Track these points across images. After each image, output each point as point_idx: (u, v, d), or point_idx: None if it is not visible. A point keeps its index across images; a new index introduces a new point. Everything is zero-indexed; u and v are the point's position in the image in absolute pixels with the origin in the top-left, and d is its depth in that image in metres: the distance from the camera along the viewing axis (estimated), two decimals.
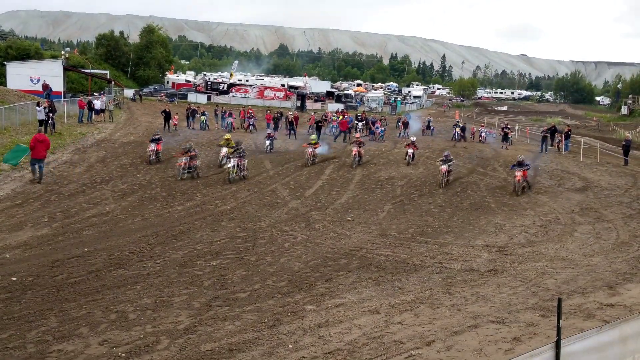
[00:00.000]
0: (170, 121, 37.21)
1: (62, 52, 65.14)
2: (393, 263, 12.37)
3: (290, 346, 7.92)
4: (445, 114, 70.91)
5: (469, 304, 9.87)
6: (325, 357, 7.63)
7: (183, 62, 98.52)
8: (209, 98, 63.69)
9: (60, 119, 34.85)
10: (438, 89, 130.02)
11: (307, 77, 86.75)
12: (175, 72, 79.75)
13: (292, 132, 35.93)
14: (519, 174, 20.84)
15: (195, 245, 13.16)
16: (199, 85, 72.18)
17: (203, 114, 40.43)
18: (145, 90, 65.19)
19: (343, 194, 20.13)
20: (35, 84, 47.55)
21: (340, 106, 61.70)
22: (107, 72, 63.59)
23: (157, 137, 25.13)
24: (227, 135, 25.41)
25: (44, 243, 13.04)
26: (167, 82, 74.13)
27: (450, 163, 22.50)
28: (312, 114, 44.86)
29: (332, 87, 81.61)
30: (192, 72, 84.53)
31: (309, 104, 64.65)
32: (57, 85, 48.54)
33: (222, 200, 18.24)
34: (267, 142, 29.32)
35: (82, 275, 10.83)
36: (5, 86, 45.25)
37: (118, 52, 73.36)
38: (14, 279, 10.51)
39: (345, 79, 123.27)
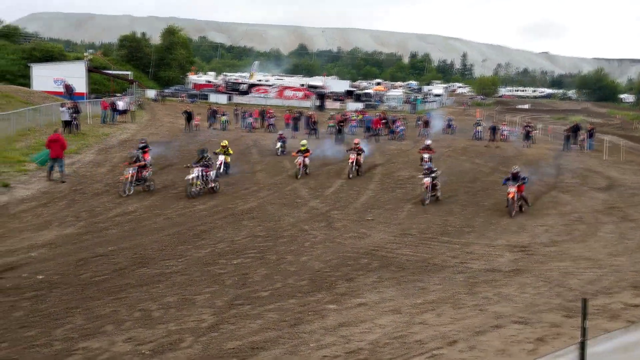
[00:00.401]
0: (191, 122, 37.53)
1: (85, 54, 66.03)
2: (414, 263, 12.33)
3: (312, 345, 7.94)
4: (465, 112, 70.42)
5: (492, 304, 9.81)
6: (346, 356, 7.64)
7: (204, 63, 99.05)
8: (229, 98, 64.08)
9: (84, 119, 35.35)
10: (459, 87, 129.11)
11: (326, 76, 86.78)
12: (196, 73, 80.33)
13: (314, 131, 35.92)
14: (512, 190, 17.19)
15: (217, 244, 13.26)
16: (219, 86, 72.66)
17: (223, 114, 40.72)
18: (166, 91, 65.80)
19: (363, 193, 20.11)
20: (59, 85, 48.29)
21: (360, 105, 61.66)
22: (129, 73, 64.31)
23: (142, 144, 22.15)
24: (225, 142, 23.56)
25: (69, 242, 13.24)
26: (188, 83, 74.74)
27: (434, 175, 19.08)
28: (337, 114, 44.48)
29: (351, 86, 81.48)
30: (213, 73, 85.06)
31: (329, 104, 64.69)
32: (81, 86, 49.25)
33: (243, 200, 18.34)
34: (279, 144, 28.40)
35: (107, 273, 10.98)
36: (30, 87, 46.03)
37: (140, 54, 74.14)
38: (40, 277, 10.69)
39: (365, 78, 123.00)
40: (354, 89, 77.84)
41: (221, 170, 21.83)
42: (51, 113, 33.70)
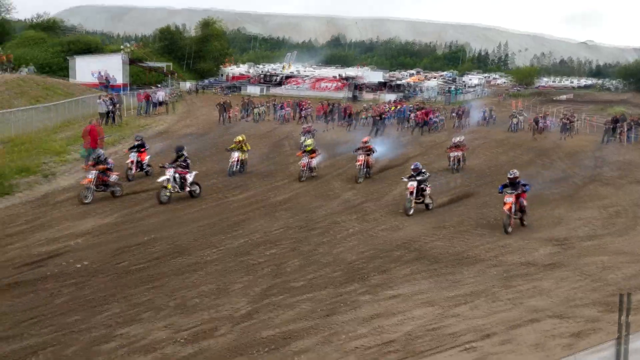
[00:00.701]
0: (225, 113, 37.84)
1: (121, 47, 67.10)
2: (448, 256, 12.24)
3: (344, 336, 7.97)
4: (501, 103, 69.24)
5: (527, 297, 9.67)
6: (379, 348, 7.65)
7: (238, 55, 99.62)
8: (263, 90, 64.36)
9: (122, 111, 36.00)
10: (494, 78, 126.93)
11: (361, 67, 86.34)
12: (230, 65, 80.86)
13: (350, 123, 35.73)
14: (509, 199, 14.27)
15: (251, 235, 13.38)
16: (253, 78, 73.01)
17: (258, 106, 40.94)
18: (202, 83, 66.47)
19: (396, 185, 20.00)
20: (98, 77, 49.25)
21: (395, 96, 61.18)
22: (165, 65, 65.12)
23: (138, 142, 20.81)
24: (239, 137, 21.80)
25: (107, 231, 13.55)
26: (222, 75, 75.28)
27: (421, 178, 16.34)
28: (374, 105, 43.95)
29: (386, 77, 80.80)
30: (247, 65, 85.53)
31: (363, 95, 64.35)
32: (119, 78, 50.15)
33: (276, 192, 18.45)
34: (303, 139, 26.34)
35: (144, 262, 11.21)
36: (69, 80, 47.04)
37: (176, 46, 74.97)
38: (79, 265, 10.98)
39: (400, 68, 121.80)
40: (390, 80, 77.18)
41: (234, 168, 20.72)
42: (90, 105, 34.41)
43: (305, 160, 20.63)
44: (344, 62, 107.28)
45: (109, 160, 17.30)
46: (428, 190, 16.50)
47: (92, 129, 20.94)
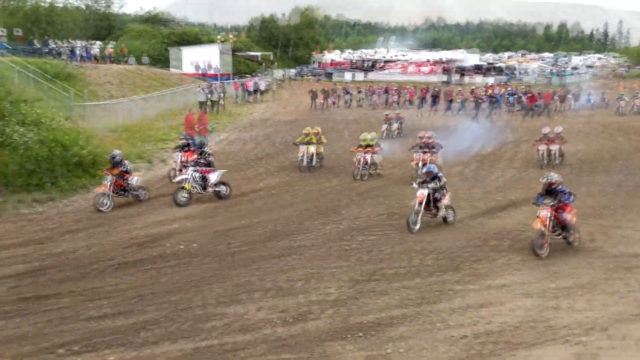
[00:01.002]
0: (316, 100, 38.22)
1: (219, 37, 69.22)
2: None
3: (439, 324, 7.89)
4: (607, 86, 65.08)
5: (634, 291, 9.10)
6: (475, 338, 7.50)
7: (331, 41, 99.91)
8: (354, 76, 64.32)
9: (224, 100, 37.22)
10: (599, 58, 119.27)
11: (458, 50, 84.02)
12: (325, 51, 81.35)
13: (450, 107, 34.92)
14: (544, 213, 11.06)
15: (342, 221, 13.49)
16: (346, 64, 73.10)
17: (347, 92, 41.01)
18: (294, 70, 67.42)
19: (493, 172, 19.44)
20: (195, 67, 51.22)
21: (492, 80, 59.12)
22: (260, 54, 66.62)
23: (183, 140, 18.57)
24: (308, 129, 20.00)
25: (206, 215, 14.17)
26: (314, 62, 75.98)
27: (434, 185, 13.06)
28: (476, 88, 42.32)
29: (484, 59, 78.11)
30: (338, 51, 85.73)
31: (459, 78, 62.67)
32: (220, 67, 51.91)
33: (367, 179, 18.43)
34: (384, 127, 25.53)
35: (240, 245, 11.62)
36: (170, 70, 49.24)
37: (272, 34, 76.49)
38: (181, 247, 11.58)
39: (499, 50, 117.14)
40: (487, 62, 74.56)
41: (304, 162, 19.22)
42: (190, 94, 35.91)
43: (360, 156, 18.26)
44: (439, 45, 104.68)
45: (126, 162, 15.69)
46: (445, 201, 13.11)
47: (188, 117, 21.89)
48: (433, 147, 18.10)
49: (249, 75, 52.84)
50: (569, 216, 11.21)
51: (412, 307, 8.48)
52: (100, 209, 14.60)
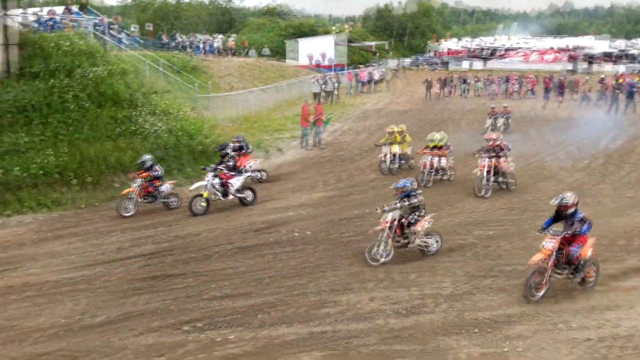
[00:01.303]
0: (431, 90, 37.49)
1: (334, 28, 69.90)
2: None
3: (560, 325, 7.52)
4: None
5: None
6: (599, 340, 7.08)
7: (451, 28, 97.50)
8: (472, 64, 62.40)
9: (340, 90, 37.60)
10: None
11: (586, 36, 78.76)
12: (441, 40, 79.68)
13: (579, 97, 32.77)
14: (549, 245, 8.51)
15: (457, 215, 13.18)
16: (462, 52, 71.09)
17: (464, 81, 39.84)
18: (411, 59, 66.65)
19: (623, 167, 18.09)
20: (312, 58, 52.12)
21: (624, 68, 54.88)
22: (374, 44, 66.47)
23: (238, 143, 16.75)
24: (392, 127, 18.14)
25: (320, 205, 14.41)
26: (430, 51, 74.57)
27: (404, 205, 10.34)
28: (603, 76, 38.90)
29: (614, 46, 72.58)
30: (457, 39, 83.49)
31: (585, 67, 58.78)
32: (333, 59, 52.50)
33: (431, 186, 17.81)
34: (489, 122, 23.08)
35: (353, 235, 11.72)
36: (285, 61, 50.47)
37: (387, 23, 76.08)
38: (296, 234, 11.88)
39: (631, 36, 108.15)
40: (616, 49, 69.25)
41: (387, 164, 17.43)
42: (305, 86, 36.59)
43: (427, 159, 16.13)
44: (565, 32, 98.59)
45: (157, 167, 14.36)
46: (422, 226, 10.33)
47: (304, 109, 22.32)
48: (502, 150, 15.41)
49: (362, 66, 52.88)
50: (577, 250, 8.62)
51: (532, 306, 8.14)
52: (123, 214, 13.57)
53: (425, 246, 10.40)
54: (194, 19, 56.94)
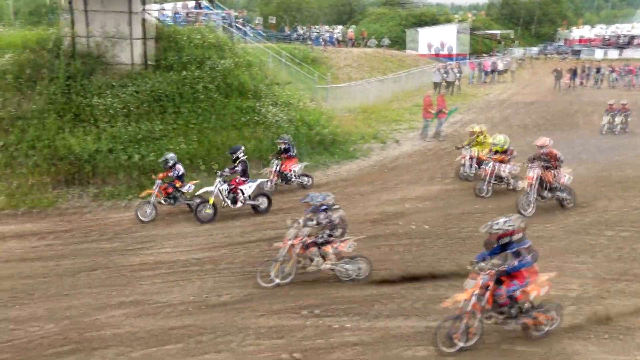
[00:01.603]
0: (561, 80, 35.43)
1: (456, 16, 68.02)
2: None
3: None
4: None
5: None
6: None
7: (583, 15, 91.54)
8: (606, 53, 58.16)
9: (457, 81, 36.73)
10: None
11: None
12: (573, 27, 75.01)
13: None
14: (470, 285, 7.07)
15: (588, 213, 12.37)
16: (595, 40, 66.43)
17: (598, 70, 37.24)
18: (538, 48, 63.47)
19: None
20: (430, 46, 51.15)
21: None
22: (499, 32, 63.91)
23: (283, 142, 15.39)
24: (474, 126, 16.53)
25: (438, 198, 14.14)
26: (560, 39, 70.39)
27: (314, 224, 9.18)
28: None
29: None
30: (590, 26, 78.16)
31: None
32: (455, 48, 51.19)
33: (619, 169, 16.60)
34: (605, 119, 20.97)
35: (472, 231, 11.36)
36: (405, 51, 49.89)
37: (514, 10, 72.82)
38: (413, 227, 11.78)
39: None
40: None
41: (465, 169, 15.47)
42: (426, 75, 36.00)
43: (489, 166, 14.17)
44: None
45: (178, 166, 13.27)
46: (335, 248, 9.06)
47: (425, 100, 21.94)
48: (556, 159, 12.60)
49: (486, 55, 51.05)
50: (516, 293, 6.94)
51: None
52: (142, 219, 12.68)
53: (340, 272, 9.00)
54: (315, 10, 57.90)
